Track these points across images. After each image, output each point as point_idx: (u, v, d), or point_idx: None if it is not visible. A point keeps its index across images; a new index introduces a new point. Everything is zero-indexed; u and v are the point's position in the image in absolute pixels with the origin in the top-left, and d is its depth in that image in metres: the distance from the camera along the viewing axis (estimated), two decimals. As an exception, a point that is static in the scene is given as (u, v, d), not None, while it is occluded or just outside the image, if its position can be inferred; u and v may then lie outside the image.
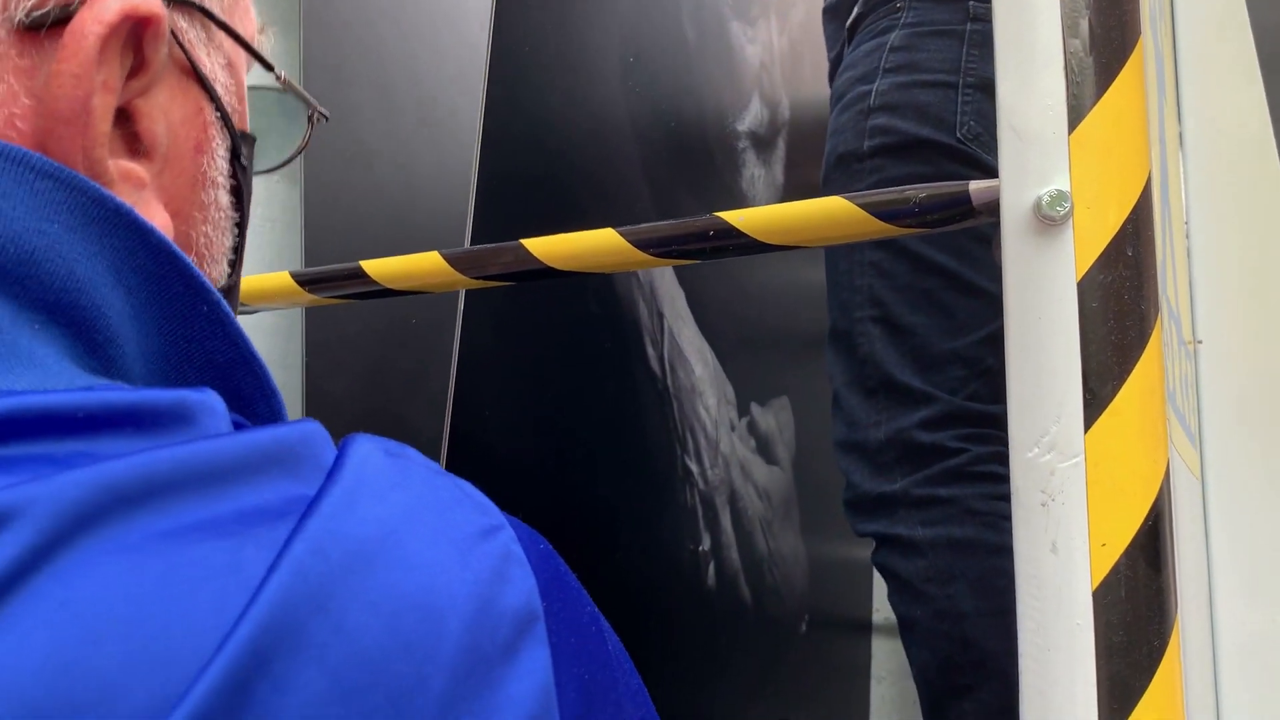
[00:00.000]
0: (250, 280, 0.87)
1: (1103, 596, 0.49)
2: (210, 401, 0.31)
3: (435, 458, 0.95)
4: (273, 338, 1.20)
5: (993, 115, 1.06)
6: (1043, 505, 0.50)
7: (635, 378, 1.23)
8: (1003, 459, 1.05)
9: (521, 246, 0.75)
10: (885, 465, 1.07)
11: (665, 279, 1.29)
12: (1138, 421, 0.49)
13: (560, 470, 1.12)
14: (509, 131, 1.04)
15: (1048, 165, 0.51)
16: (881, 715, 1.75)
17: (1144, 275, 0.49)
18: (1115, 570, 0.49)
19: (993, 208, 0.55)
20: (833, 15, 1.25)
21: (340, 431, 1.00)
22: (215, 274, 0.42)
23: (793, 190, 1.65)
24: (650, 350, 1.26)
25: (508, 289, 0.95)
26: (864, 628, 1.81)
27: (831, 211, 0.64)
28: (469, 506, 0.33)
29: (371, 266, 0.80)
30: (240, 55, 0.43)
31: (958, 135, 1.05)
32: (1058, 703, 0.48)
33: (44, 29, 0.34)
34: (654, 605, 1.24)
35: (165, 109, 0.38)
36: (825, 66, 1.74)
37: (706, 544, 1.35)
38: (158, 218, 0.38)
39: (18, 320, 0.30)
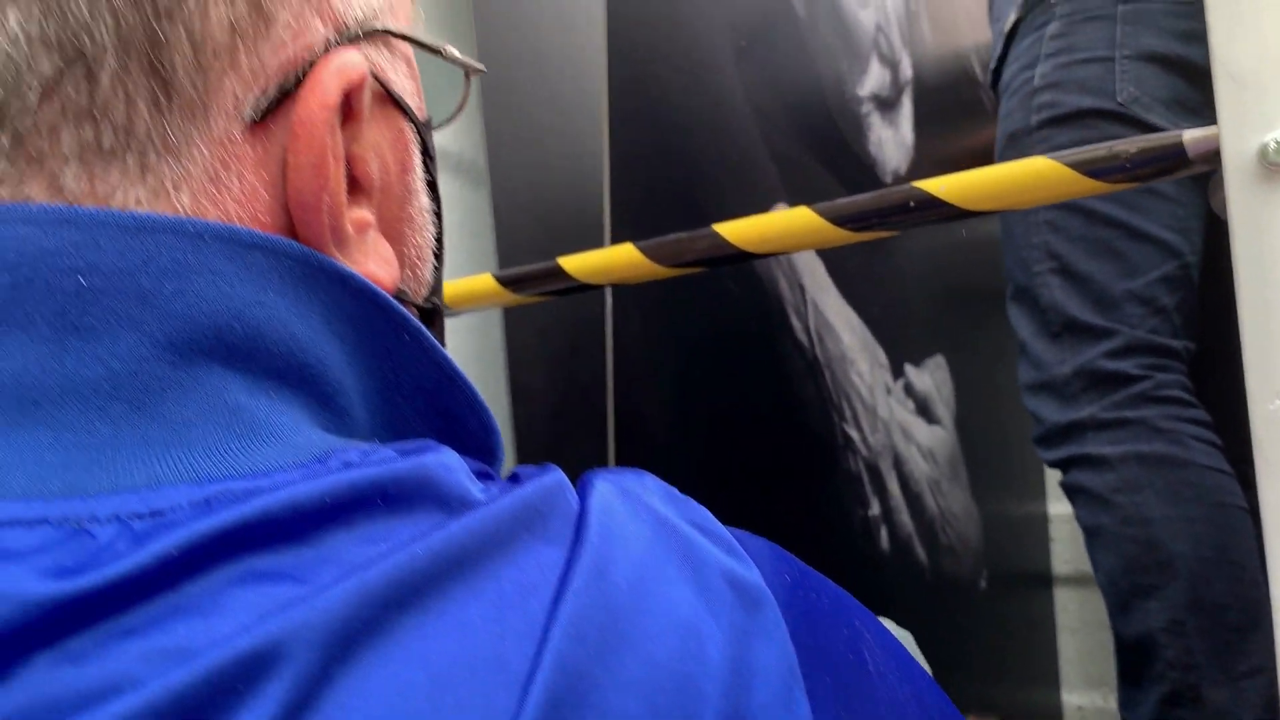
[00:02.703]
0: (454, 284, 0.91)
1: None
2: (446, 459, 0.31)
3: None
4: (471, 335, 1.27)
5: (1149, 80, 1.14)
6: (1288, 455, 0.49)
7: (784, 351, 1.24)
8: (1186, 387, 1.10)
9: (715, 233, 0.75)
10: (1072, 396, 1.13)
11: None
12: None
13: (721, 451, 1.14)
14: (634, 133, 1.07)
15: (1270, 110, 0.50)
16: (1074, 667, 1.72)
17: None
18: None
19: (1210, 157, 0.54)
20: (993, 20, 1.38)
21: (543, 421, 1.03)
22: (425, 274, 0.42)
23: (924, 147, 1.63)
24: (795, 322, 1.27)
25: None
26: (1045, 580, 1.79)
27: (1037, 172, 0.62)
28: (707, 545, 0.32)
29: (569, 263, 0.82)
30: (409, 45, 0.42)
31: (1118, 100, 1.13)
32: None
33: (271, 114, 0.33)
34: (830, 574, 1.25)
35: (375, 144, 0.37)
36: (944, 19, 1.73)
37: (876, 509, 1.35)
38: (383, 251, 0.38)
39: (254, 392, 0.31)
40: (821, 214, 0.70)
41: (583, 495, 0.32)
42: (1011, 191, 0.64)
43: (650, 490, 0.34)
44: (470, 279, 0.92)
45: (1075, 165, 0.60)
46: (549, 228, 1.20)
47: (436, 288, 0.43)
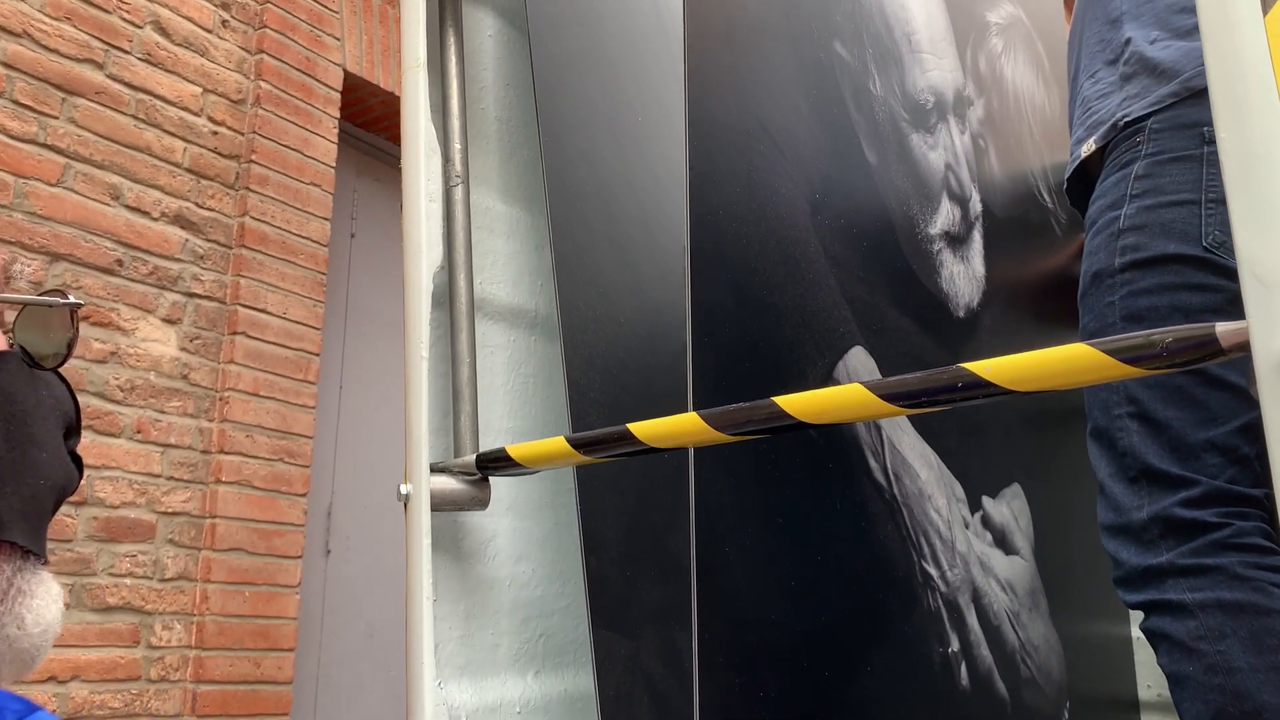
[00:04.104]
0: (530, 445, 1.00)
1: None
2: None
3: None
4: (544, 483, 1.32)
5: (1237, 225, 1.14)
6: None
7: (862, 492, 1.27)
8: (1267, 533, 1.10)
9: (774, 404, 0.80)
10: (1151, 541, 1.13)
11: (879, 395, 1.33)
12: None
13: (802, 591, 1.16)
14: (715, 289, 1.12)
15: (1294, 312, 0.52)
16: (1164, 797, 1.70)
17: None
18: None
19: (1244, 346, 0.56)
20: (1072, 136, 1.40)
21: (617, 569, 1.09)
22: None
23: (995, 277, 1.65)
24: (873, 463, 1.30)
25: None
26: (1132, 707, 1.76)
27: (1078, 358, 0.66)
28: None
29: (637, 428, 0.88)
30: None
31: (1204, 245, 1.14)
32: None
33: None
34: (911, 713, 1.26)
35: None
36: (1010, 149, 1.76)
37: (955, 644, 1.36)
38: None
39: None
40: (874, 390, 0.74)
41: None
42: (1054, 374, 0.67)
43: None
44: (544, 441, 0.98)
45: (1114, 352, 0.63)
46: (618, 379, 1.26)
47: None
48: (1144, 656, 1.77)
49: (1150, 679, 1.75)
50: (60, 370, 0.54)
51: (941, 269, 1.55)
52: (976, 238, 1.64)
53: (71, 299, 0.53)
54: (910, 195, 1.50)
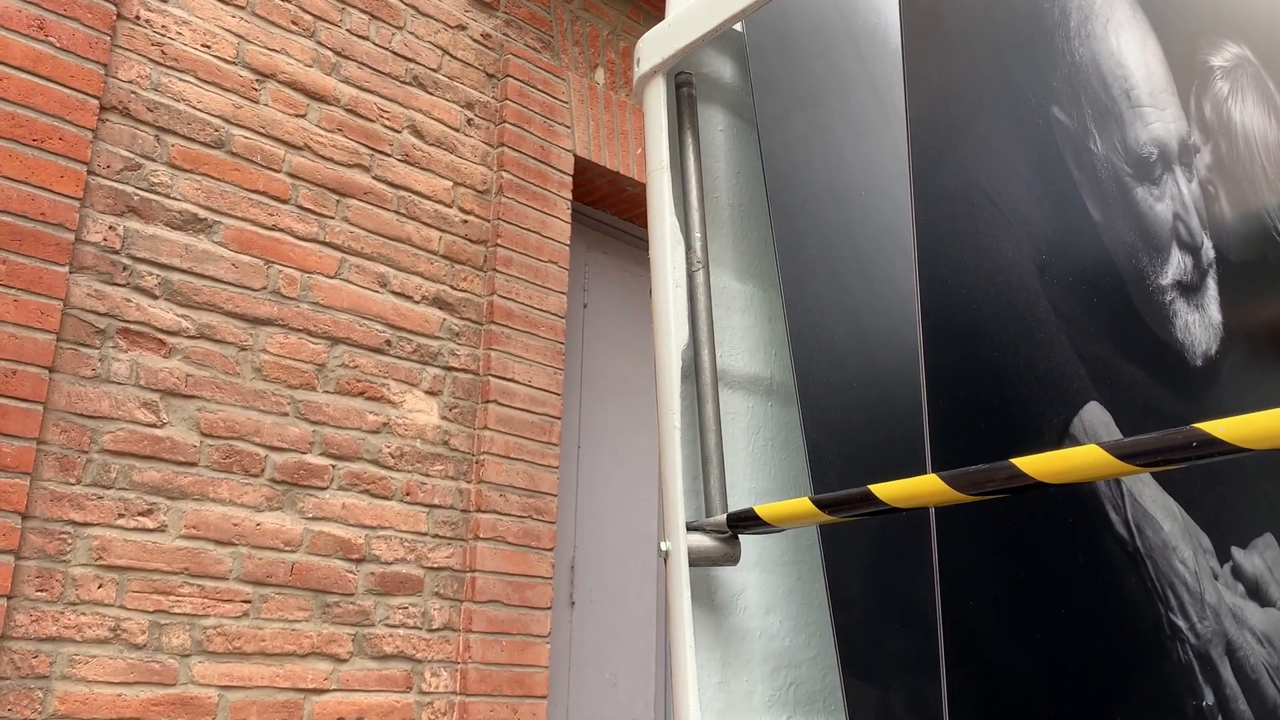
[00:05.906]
0: (777, 506, 1.08)
1: None
2: None
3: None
4: (786, 538, 1.40)
5: None
6: None
7: (1104, 545, 1.29)
8: None
9: (1013, 465, 0.85)
10: None
11: (1117, 449, 1.35)
12: None
13: (1050, 645, 1.20)
14: (948, 354, 1.18)
15: None
16: None
17: None
18: None
19: None
20: None
21: (866, 623, 1.18)
22: None
23: (1233, 323, 1.63)
24: (1113, 515, 1.32)
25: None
26: None
27: None
28: None
29: (880, 490, 0.95)
30: None
31: None
32: None
33: None
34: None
35: None
36: (1243, 190, 1.74)
37: (1210, 698, 1.35)
38: None
39: None
40: (1109, 450, 0.78)
41: None
42: None
43: None
44: (790, 502, 1.06)
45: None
46: (853, 440, 1.33)
47: None
48: None
49: None
50: None
51: (1175, 319, 1.55)
52: (1211, 284, 1.63)
53: None
54: (1139, 248, 1.51)
